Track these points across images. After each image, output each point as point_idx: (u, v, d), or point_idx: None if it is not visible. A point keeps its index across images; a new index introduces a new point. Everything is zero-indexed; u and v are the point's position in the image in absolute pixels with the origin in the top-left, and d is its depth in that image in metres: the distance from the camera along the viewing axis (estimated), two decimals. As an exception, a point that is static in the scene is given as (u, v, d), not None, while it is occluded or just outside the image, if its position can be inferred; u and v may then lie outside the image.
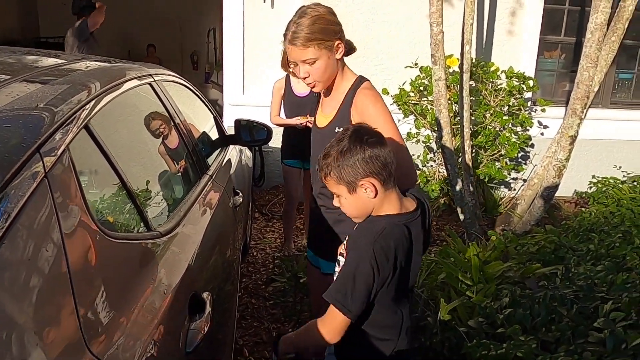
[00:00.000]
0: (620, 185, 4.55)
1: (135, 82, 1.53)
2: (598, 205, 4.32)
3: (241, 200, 2.26)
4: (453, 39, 4.17)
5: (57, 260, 0.82)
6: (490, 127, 4.39)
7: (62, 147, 0.95)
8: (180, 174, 1.82)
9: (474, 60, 4.32)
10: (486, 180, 4.42)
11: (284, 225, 3.70)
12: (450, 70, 4.27)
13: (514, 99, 4.47)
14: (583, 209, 4.45)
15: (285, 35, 1.60)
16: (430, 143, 4.54)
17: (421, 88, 4.41)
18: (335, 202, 1.34)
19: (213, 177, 1.97)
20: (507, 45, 4.76)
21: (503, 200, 4.72)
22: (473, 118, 4.30)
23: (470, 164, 4.09)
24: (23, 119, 0.95)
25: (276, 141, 3.35)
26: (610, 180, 4.69)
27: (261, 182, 4.63)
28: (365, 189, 1.26)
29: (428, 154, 4.58)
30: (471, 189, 3.93)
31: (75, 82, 1.23)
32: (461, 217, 3.64)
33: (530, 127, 4.54)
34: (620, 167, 4.86)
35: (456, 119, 4.19)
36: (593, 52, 3.14)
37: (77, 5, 4.72)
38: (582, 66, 3.22)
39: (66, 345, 0.78)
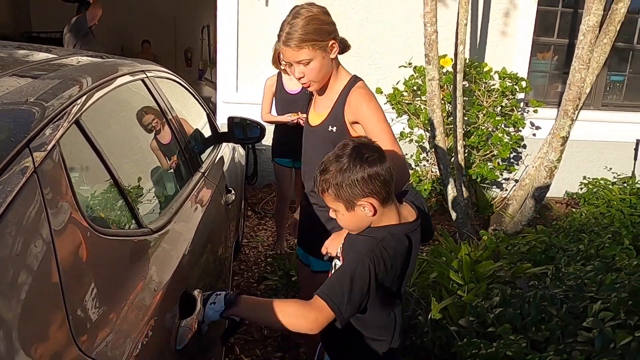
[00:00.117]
0: (611, 187, 4.59)
1: (127, 78, 1.52)
2: (588, 206, 4.35)
3: (233, 197, 2.25)
4: (447, 39, 4.19)
5: (46, 256, 0.81)
6: (483, 128, 4.41)
7: (52, 143, 0.94)
8: (172, 170, 1.81)
9: (467, 61, 4.34)
10: (478, 180, 4.44)
11: (276, 223, 3.69)
12: (444, 70, 4.29)
13: (507, 99, 4.50)
14: (574, 210, 4.49)
15: (279, 36, 1.59)
16: (423, 143, 4.55)
17: (415, 88, 4.43)
18: (332, 214, 1.32)
19: (205, 175, 1.97)
20: (501, 46, 4.78)
21: (495, 200, 4.74)
22: (466, 118, 4.32)
23: (462, 164, 4.10)
24: (12, 113, 0.94)
25: (269, 139, 3.35)
26: (601, 182, 4.74)
27: (254, 180, 4.61)
28: (363, 208, 1.24)
29: (421, 153, 4.59)
30: (463, 188, 3.95)
31: (67, 77, 1.21)
32: (453, 216, 3.66)
33: (523, 127, 4.57)
34: (610, 169, 4.90)
35: (449, 119, 4.20)
36: (585, 53, 3.16)
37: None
38: (574, 68, 3.25)
39: (54, 342, 0.77)
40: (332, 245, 1.50)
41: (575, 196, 4.89)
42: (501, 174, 4.64)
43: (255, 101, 3.45)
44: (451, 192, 3.64)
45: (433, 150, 4.03)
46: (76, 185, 0.99)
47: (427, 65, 3.59)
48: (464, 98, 4.18)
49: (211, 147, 2.43)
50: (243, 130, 2.61)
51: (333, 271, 1.43)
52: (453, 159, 4.06)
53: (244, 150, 3.48)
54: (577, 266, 2.47)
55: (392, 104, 4.46)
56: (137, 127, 1.69)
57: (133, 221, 1.22)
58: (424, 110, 4.33)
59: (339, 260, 1.39)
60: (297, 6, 1.60)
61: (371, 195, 1.22)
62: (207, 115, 2.67)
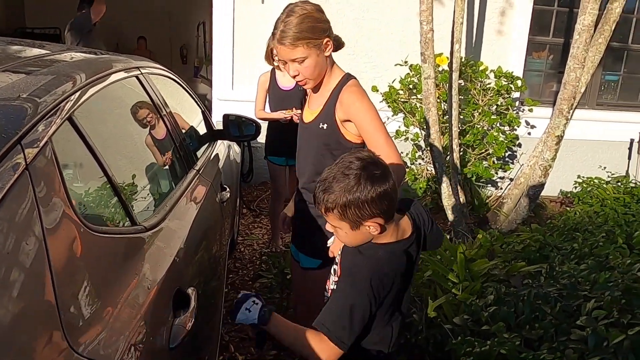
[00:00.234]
0: (605, 186, 4.61)
1: (121, 75, 1.51)
2: (583, 205, 4.37)
3: (228, 195, 2.25)
4: (443, 37, 4.19)
5: (38, 254, 0.81)
6: (478, 126, 4.42)
7: (45, 139, 0.93)
8: (166, 168, 1.80)
9: (463, 59, 4.35)
10: (473, 178, 4.45)
11: (270, 221, 3.69)
12: (440, 68, 4.29)
13: (502, 98, 4.51)
14: (568, 209, 4.51)
15: (273, 34, 1.59)
16: (418, 141, 4.56)
17: (410, 86, 4.43)
18: (329, 228, 1.28)
19: (200, 172, 1.96)
20: (496, 44, 4.79)
21: (490, 199, 4.76)
22: (461, 117, 4.33)
23: (458, 162, 4.11)
24: (4, 109, 0.93)
25: (264, 137, 3.34)
26: (595, 181, 4.76)
27: (249, 178, 4.60)
28: (369, 227, 1.20)
29: (416, 152, 4.59)
30: (458, 187, 3.96)
31: (60, 73, 1.20)
32: (448, 215, 3.66)
33: (518, 126, 4.58)
34: (605, 168, 4.93)
35: (445, 118, 4.21)
36: (580, 53, 3.17)
37: None
38: (569, 67, 3.26)
39: (46, 340, 0.76)
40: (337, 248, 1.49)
41: (569, 195, 4.91)
42: (496, 173, 4.65)
43: (251, 99, 3.44)
44: (446, 190, 3.64)
45: (428, 148, 4.04)
46: (69, 182, 0.98)
47: (423, 64, 3.59)
48: (460, 97, 4.19)
49: (206, 145, 2.42)
50: (238, 128, 2.60)
51: (331, 280, 1.42)
52: (448, 157, 4.07)
53: (240, 148, 3.47)
54: (571, 265, 2.48)
55: (388, 102, 4.46)
56: (131, 124, 1.68)
57: (127, 219, 1.21)
58: (419, 109, 4.33)
59: (336, 273, 1.39)
60: (291, 4, 1.60)
61: (379, 215, 1.19)
62: (203, 112, 2.66)
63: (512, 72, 4.53)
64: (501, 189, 4.91)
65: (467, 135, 4.39)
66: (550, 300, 2.06)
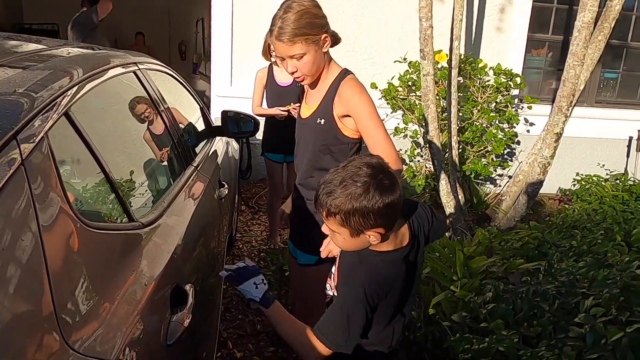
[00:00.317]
0: (603, 183, 4.61)
1: (119, 70, 1.50)
2: (581, 202, 4.37)
3: (227, 192, 2.24)
4: (442, 34, 4.18)
5: (34, 251, 0.80)
6: (477, 124, 4.41)
7: (41, 134, 0.92)
8: (164, 164, 1.79)
9: (462, 57, 4.34)
10: (472, 176, 4.45)
11: (268, 218, 3.68)
12: (439, 65, 4.28)
13: (501, 95, 4.50)
14: (566, 206, 4.51)
15: (271, 30, 1.58)
16: (417, 138, 4.55)
17: (409, 83, 4.42)
18: (325, 230, 1.25)
19: (198, 168, 1.95)
20: (496, 42, 4.78)
21: (488, 196, 4.76)
22: (460, 114, 4.32)
23: (456, 159, 4.11)
24: None
25: (261, 133, 3.33)
26: (594, 178, 4.76)
27: (248, 175, 4.60)
28: (369, 236, 1.18)
29: (415, 149, 4.59)
30: (457, 184, 3.96)
31: (57, 68, 1.19)
32: (447, 212, 3.66)
33: (517, 124, 4.58)
34: (603, 165, 4.93)
35: (444, 115, 4.20)
36: (580, 50, 3.16)
37: None
38: (568, 64, 3.25)
39: (41, 337, 0.76)
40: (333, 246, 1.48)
41: (568, 192, 4.91)
42: (495, 170, 4.65)
43: (250, 95, 3.43)
44: (445, 187, 3.64)
45: (427, 145, 4.03)
46: (65, 178, 0.97)
47: (422, 61, 3.58)
48: (459, 94, 4.18)
49: (205, 141, 2.42)
50: (237, 124, 2.59)
51: (332, 282, 1.41)
52: (447, 154, 4.06)
53: (238, 145, 3.46)
54: (569, 262, 2.48)
55: (387, 99, 4.45)
56: (129, 119, 1.67)
57: (124, 215, 1.20)
58: (418, 106, 4.33)
59: (334, 280, 1.39)
60: (287, 0, 1.58)
61: (382, 225, 1.16)
62: (201, 108, 2.65)
63: (512, 70, 4.52)
64: (500, 186, 4.91)
65: (466, 133, 4.38)
66: (548, 297, 2.06)
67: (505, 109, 4.51)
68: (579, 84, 3.62)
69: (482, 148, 4.43)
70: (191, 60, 9.29)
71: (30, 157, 0.86)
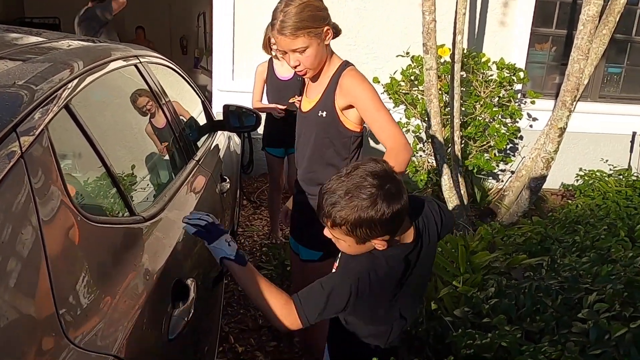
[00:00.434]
0: (607, 179, 4.59)
1: (120, 63, 1.49)
2: (584, 197, 4.36)
3: (228, 186, 2.23)
4: (445, 28, 4.15)
5: (34, 244, 0.79)
6: (480, 118, 4.39)
7: (41, 127, 0.91)
8: (166, 158, 1.78)
9: (465, 51, 4.31)
10: (474, 171, 4.43)
11: (269, 213, 3.68)
12: (442, 60, 4.26)
13: (504, 90, 4.47)
14: (569, 202, 4.49)
15: (272, 24, 1.56)
16: (420, 133, 4.53)
17: (412, 77, 4.39)
18: (327, 234, 1.21)
19: (200, 163, 1.94)
20: (499, 36, 4.75)
21: (491, 191, 4.74)
22: (463, 109, 4.30)
23: (459, 154, 4.09)
24: (-1, 96, 0.91)
25: (262, 128, 3.31)
26: (597, 173, 4.74)
27: (250, 169, 4.58)
28: (375, 244, 1.17)
29: (418, 143, 4.57)
30: (459, 179, 3.94)
31: (57, 61, 1.18)
32: (449, 207, 3.65)
33: (520, 119, 4.55)
34: (607, 161, 4.90)
35: (446, 110, 4.18)
36: (584, 44, 3.14)
37: None
38: (573, 58, 3.22)
39: (42, 331, 0.75)
40: None
41: (571, 188, 4.89)
42: (497, 165, 4.63)
43: (252, 90, 3.41)
44: (447, 182, 3.63)
45: (430, 140, 4.02)
46: (66, 171, 0.96)
47: (425, 55, 3.56)
48: (462, 88, 4.16)
49: (206, 135, 2.40)
50: (239, 119, 2.57)
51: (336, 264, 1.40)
52: (449, 149, 4.05)
53: (240, 139, 3.45)
54: (572, 257, 2.47)
55: (389, 94, 4.43)
56: (130, 113, 1.66)
57: (125, 209, 1.19)
58: (421, 101, 4.30)
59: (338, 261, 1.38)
60: None
61: (389, 233, 1.15)
62: (202, 102, 2.63)
63: (515, 64, 4.49)
64: (502, 181, 4.90)
65: (469, 128, 4.36)
66: (551, 293, 2.05)
67: (508, 104, 4.48)
68: (583, 78, 3.60)
69: (484, 143, 4.41)
70: (193, 55, 9.26)
71: (30, 150, 0.85)
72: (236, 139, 3.21)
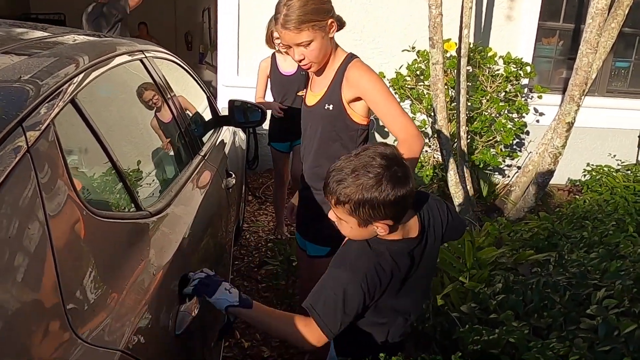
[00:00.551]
0: (615, 174, 4.56)
1: (125, 58, 1.48)
2: (592, 193, 4.32)
3: (234, 182, 2.22)
4: (451, 22, 4.12)
5: (41, 239, 0.79)
6: (486, 113, 4.36)
7: (47, 122, 0.91)
8: (171, 153, 1.78)
9: (471, 45, 4.28)
10: (481, 166, 4.41)
11: (275, 208, 3.67)
12: (448, 54, 4.22)
13: (511, 85, 4.44)
14: (577, 197, 4.46)
15: (276, 18, 1.54)
16: (425, 128, 4.51)
17: (418, 72, 4.37)
18: (332, 217, 1.21)
19: (206, 158, 1.94)
20: (506, 30, 4.71)
21: (497, 186, 4.72)
22: (469, 104, 4.27)
23: (465, 149, 4.07)
24: (4, 91, 0.90)
25: (267, 123, 3.30)
26: (605, 169, 4.70)
27: (255, 165, 4.58)
28: (377, 227, 1.16)
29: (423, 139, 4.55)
30: (466, 175, 3.92)
31: (62, 55, 1.18)
32: (455, 203, 3.63)
33: (526, 113, 4.52)
34: (614, 156, 4.87)
35: (452, 104, 4.16)
36: (593, 37, 3.10)
37: None
38: (581, 52, 3.19)
39: (49, 326, 0.75)
40: None
41: (578, 183, 4.86)
42: (504, 161, 4.60)
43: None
44: (453, 178, 3.61)
45: (435, 135, 3.99)
46: (72, 166, 0.96)
47: (431, 49, 3.54)
48: (468, 83, 4.13)
49: (212, 131, 2.40)
50: (244, 114, 2.57)
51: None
52: (455, 144, 4.02)
53: (245, 135, 3.44)
54: (580, 253, 2.45)
55: (395, 89, 4.41)
56: (136, 107, 1.66)
57: (131, 204, 1.19)
58: (426, 96, 4.28)
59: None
60: None
61: (391, 218, 1.14)
62: (208, 98, 2.63)
63: (522, 58, 4.46)
64: (508, 176, 4.87)
65: (475, 123, 4.33)
66: (559, 288, 2.03)
67: (514, 99, 4.45)
68: (592, 72, 3.56)
69: (491, 138, 4.38)
70: (197, 50, 9.26)
71: (37, 145, 0.85)
72: (241, 134, 3.21)
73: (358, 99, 1.59)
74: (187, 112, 2.08)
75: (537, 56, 4.85)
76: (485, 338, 1.81)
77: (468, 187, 3.87)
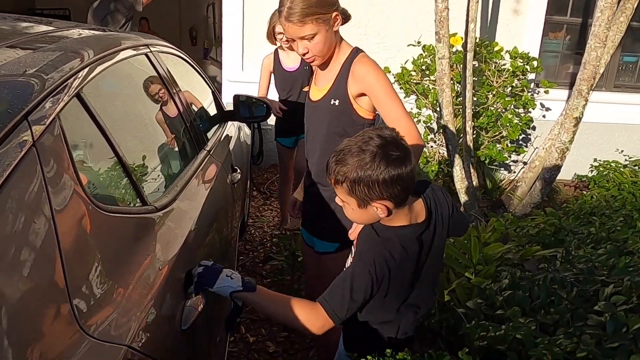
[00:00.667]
0: (622, 169, 4.52)
1: (130, 52, 1.48)
2: (599, 188, 4.29)
3: (239, 177, 2.22)
4: (457, 17, 4.08)
5: (47, 233, 0.78)
6: (492, 108, 4.33)
7: (52, 116, 0.90)
8: (177, 147, 1.77)
9: (478, 40, 4.24)
10: (486, 161, 4.38)
11: (280, 204, 3.67)
12: (454, 49, 4.19)
13: (517, 80, 4.40)
14: (584, 193, 4.43)
15: (279, 11, 1.52)
16: (431, 123, 4.49)
17: (423, 67, 4.34)
18: (339, 202, 1.24)
19: (211, 153, 1.93)
20: (512, 24, 4.67)
21: (503, 182, 4.69)
22: (475, 99, 4.24)
23: (471, 145, 4.04)
24: (10, 85, 0.90)
25: (273, 118, 3.29)
26: (612, 164, 4.66)
27: (260, 160, 4.58)
28: (376, 209, 1.17)
29: (429, 134, 4.53)
30: (471, 170, 3.90)
31: (68, 49, 1.17)
32: (461, 198, 3.61)
33: (533, 109, 4.48)
34: (622, 151, 4.82)
35: (458, 100, 4.13)
36: (602, 31, 3.07)
37: None
38: (589, 46, 3.16)
39: (55, 321, 0.75)
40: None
41: (585, 179, 4.83)
42: (510, 156, 4.58)
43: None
44: (459, 173, 3.59)
45: (441, 131, 3.97)
46: (78, 160, 0.96)
47: (437, 43, 3.51)
48: (474, 78, 4.10)
49: (217, 126, 2.39)
50: (249, 109, 2.56)
51: (349, 260, 1.39)
52: (461, 140, 4.00)
53: (250, 130, 3.44)
54: (587, 249, 2.43)
55: (400, 84, 4.38)
56: (141, 102, 1.65)
57: (137, 199, 1.19)
58: (432, 91, 4.25)
59: (354, 247, 1.36)
60: None
61: (388, 199, 1.15)
62: (213, 93, 2.62)
63: (528, 53, 4.42)
64: (514, 172, 4.84)
65: (481, 118, 4.31)
66: (566, 285, 2.01)
67: (521, 94, 4.42)
68: (600, 66, 3.52)
69: (497, 133, 4.35)
70: (202, 46, 9.24)
71: (42, 139, 0.84)
72: (246, 129, 3.20)
73: (364, 94, 1.58)
74: (193, 107, 2.07)
75: (544, 51, 4.81)
76: (491, 334, 1.80)
77: (474, 183, 3.85)
